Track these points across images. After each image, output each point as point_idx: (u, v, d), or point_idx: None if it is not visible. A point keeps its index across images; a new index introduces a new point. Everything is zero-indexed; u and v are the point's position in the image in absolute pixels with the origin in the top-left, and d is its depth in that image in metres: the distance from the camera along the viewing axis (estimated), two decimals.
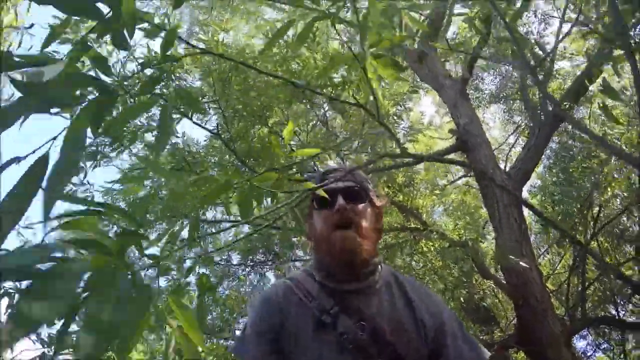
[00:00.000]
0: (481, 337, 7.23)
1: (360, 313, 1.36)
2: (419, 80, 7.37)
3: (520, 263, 4.45)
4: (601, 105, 2.91)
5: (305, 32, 1.49)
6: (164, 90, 4.94)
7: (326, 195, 1.44)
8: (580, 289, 5.72)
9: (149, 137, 5.30)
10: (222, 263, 7.64)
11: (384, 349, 1.31)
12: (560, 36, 4.97)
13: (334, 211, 1.42)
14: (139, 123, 5.08)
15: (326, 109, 6.38)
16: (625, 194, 5.97)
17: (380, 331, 1.33)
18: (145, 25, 1.21)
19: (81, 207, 0.79)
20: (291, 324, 1.36)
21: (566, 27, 5.12)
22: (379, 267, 1.48)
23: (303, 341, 1.33)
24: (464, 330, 1.46)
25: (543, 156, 6.35)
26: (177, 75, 4.99)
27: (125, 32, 0.91)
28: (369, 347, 1.30)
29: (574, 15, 4.66)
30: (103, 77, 0.98)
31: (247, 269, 7.77)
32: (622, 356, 7.90)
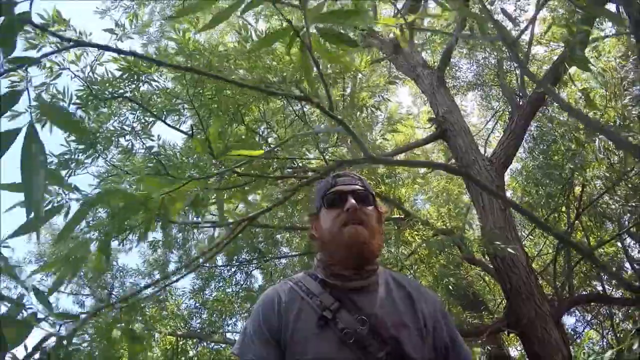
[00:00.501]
0: (472, 322, 7.26)
1: (361, 310, 1.39)
2: (395, 70, 7.33)
3: (508, 249, 4.47)
4: (581, 89, 2.89)
5: (236, 4, 1.44)
6: (135, 94, 4.79)
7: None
8: (566, 268, 5.76)
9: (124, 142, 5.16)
10: (207, 265, 7.51)
11: (386, 345, 1.33)
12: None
13: (345, 210, 1.48)
14: (112, 128, 4.94)
15: (304, 104, 6.28)
16: (606, 174, 6.02)
17: (382, 327, 1.35)
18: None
19: None
20: (293, 323, 1.38)
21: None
22: (379, 268, 1.54)
23: (304, 339, 1.34)
24: (452, 323, 1.55)
25: (523, 140, 6.36)
26: (149, 76, 4.83)
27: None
28: (370, 342, 1.32)
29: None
30: None
31: (232, 269, 7.66)
32: (610, 330, 8.04)
